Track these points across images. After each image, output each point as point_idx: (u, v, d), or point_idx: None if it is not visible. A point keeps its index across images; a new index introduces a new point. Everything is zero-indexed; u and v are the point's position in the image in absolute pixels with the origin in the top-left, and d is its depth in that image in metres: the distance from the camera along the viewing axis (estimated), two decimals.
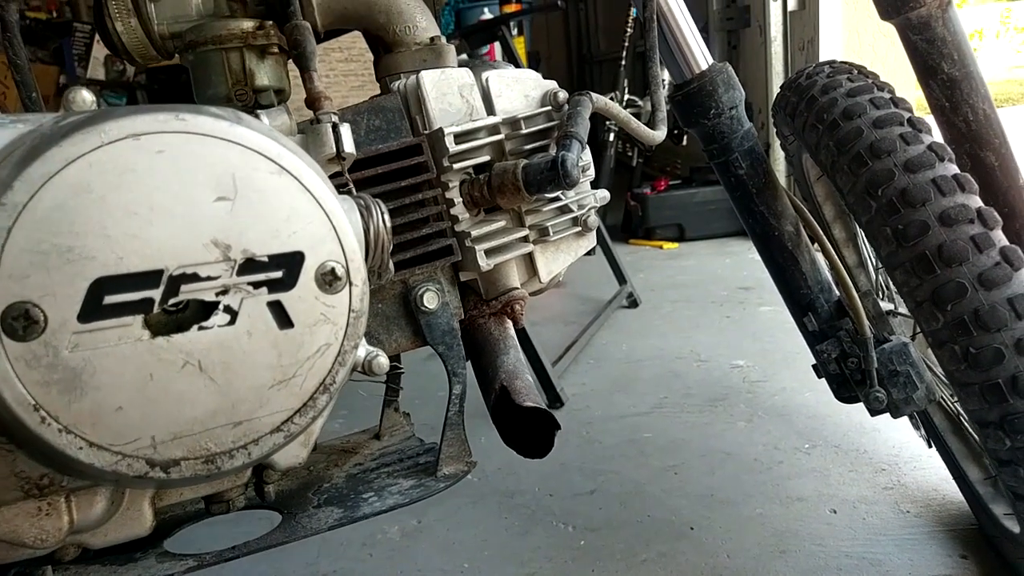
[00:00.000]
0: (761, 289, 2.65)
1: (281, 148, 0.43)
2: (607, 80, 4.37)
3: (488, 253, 0.71)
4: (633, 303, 2.60)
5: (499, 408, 0.72)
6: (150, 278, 0.40)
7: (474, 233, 0.70)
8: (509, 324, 0.76)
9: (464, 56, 1.96)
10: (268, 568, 1.30)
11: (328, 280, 0.44)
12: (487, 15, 3.63)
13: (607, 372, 2.08)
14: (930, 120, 0.93)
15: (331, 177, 0.61)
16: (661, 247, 3.35)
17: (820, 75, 0.99)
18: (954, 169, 0.83)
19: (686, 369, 2.03)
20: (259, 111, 0.55)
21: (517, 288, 0.75)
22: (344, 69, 3.10)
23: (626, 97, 3.29)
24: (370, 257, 0.50)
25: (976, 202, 0.81)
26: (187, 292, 0.41)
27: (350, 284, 0.45)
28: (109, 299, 0.39)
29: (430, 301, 0.69)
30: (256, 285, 0.42)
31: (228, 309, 0.42)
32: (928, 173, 0.82)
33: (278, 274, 0.43)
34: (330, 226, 0.44)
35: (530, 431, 0.71)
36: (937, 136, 0.89)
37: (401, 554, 1.32)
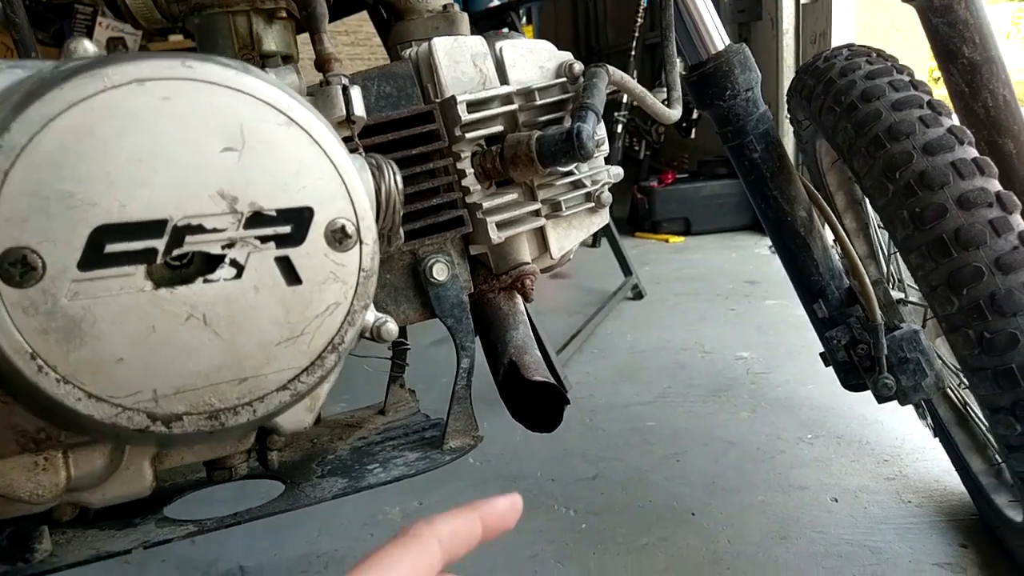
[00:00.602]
0: (767, 283, 2.63)
1: (291, 100, 0.42)
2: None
3: (499, 226, 0.69)
4: (638, 295, 2.59)
5: (508, 383, 0.71)
6: (154, 228, 0.39)
7: (486, 205, 0.69)
8: (519, 299, 0.75)
9: None
10: (269, 545, 1.30)
11: (338, 237, 0.43)
12: (496, 2, 3.61)
13: (611, 362, 2.07)
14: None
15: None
16: (667, 240, 3.33)
17: (838, 58, 0.98)
18: (973, 152, 0.82)
19: (690, 360, 2.01)
20: (267, 68, 0.54)
21: (528, 263, 0.74)
22: (350, 53, 3.07)
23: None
24: (381, 217, 0.48)
25: (995, 186, 0.80)
26: (192, 244, 0.40)
27: (360, 242, 0.43)
28: (111, 247, 0.38)
29: (439, 273, 0.68)
30: (263, 239, 0.41)
31: (234, 263, 0.41)
32: (947, 156, 0.81)
33: (286, 229, 0.41)
34: (341, 182, 0.43)
35: (539, 406, 0.71)
36: (957, 121, 0.88)
37: None
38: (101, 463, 0.46)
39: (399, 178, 0.49)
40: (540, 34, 5.47)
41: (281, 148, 0.42)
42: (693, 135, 3.30)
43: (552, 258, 0.75)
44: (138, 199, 0.38)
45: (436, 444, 0.71)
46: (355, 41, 3.08)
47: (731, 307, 2.42)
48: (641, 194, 3.45)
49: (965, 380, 1.19)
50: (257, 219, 0.41)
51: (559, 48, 0.75)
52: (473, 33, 0.88)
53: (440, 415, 0.77)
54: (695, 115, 3.20)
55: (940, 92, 1.03)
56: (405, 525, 0.31)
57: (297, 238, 0.42)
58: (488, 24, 2.66)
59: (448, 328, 0.70)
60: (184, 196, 0.40)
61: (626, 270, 2.63)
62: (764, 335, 2.14)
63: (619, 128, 3.36)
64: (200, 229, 0.40)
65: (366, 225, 0.44)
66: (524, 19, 3.92)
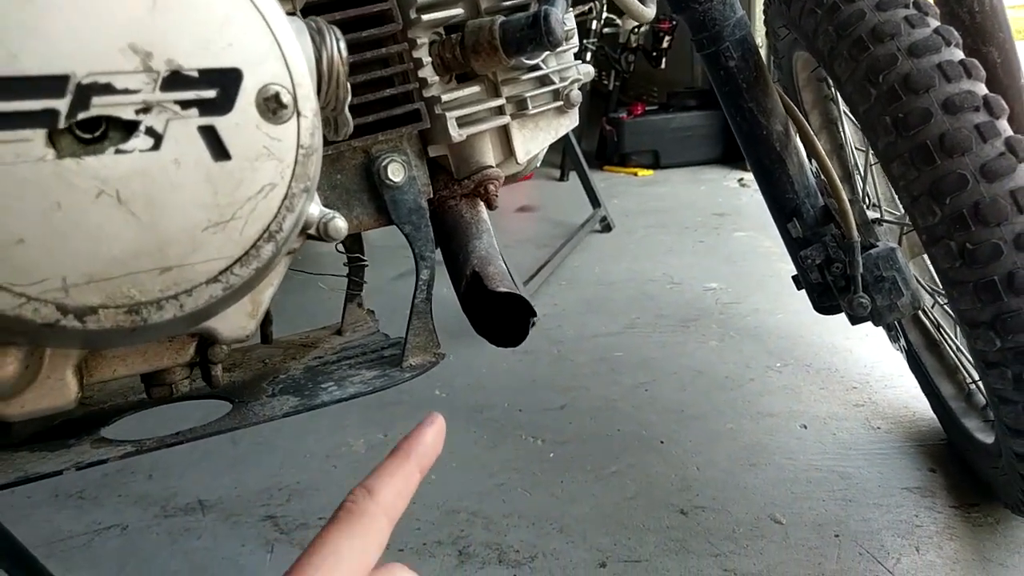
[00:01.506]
0: (736, 216, 2.62)
1: None
2: None
3: (460, 123, 0.64)
4: (607, 227, 2.56)
5: (470, 295, 0.66)
6: (53, 84, 0.33)
7: (445, 98, 0.63)
8: (482, 207, 0.70)
9: None
10: (230, 479, 1.26)
11: (272, 107, 0.37)
12: None
13: (579, 294, 2.04)
14: None
15: None
16: (636, 174, 3.28)
17: None
18: (960, 54, 0.78)
19: (659, 291, 2.00)
20: None
21: (491, 167, 0.69)
22: None
23: (604, 15, 3.17)
24: (323, 91, 0.43)
25: (982, 89, 0.76)
26: (100, 106, 0.34)
27: (298, 114, 0.38)
28: (1, 106, 0.32)
29: (395, 173, 0.62)
30: (184, 105, 0.35)
31: (151, 131, 0.35)
32: (933, 58, 0.77)
33: (211, 93, 0.36)
34: (274, 42, 0.37)
35: (503, 319, 0.66)
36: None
37: (365, 467, 1.27)
38: (13, 368, 0.41)
39: (343, 45, 0.43)
40: None
41: None
42: (663, 65, 3.23)
43: (518, 163, 0.70)
44: (32, 49, 0.32)
45: (395, 362, 0.66)
46: None
47: (700, 239, 2.41)
48: (610, 126, 3.39)
49: (940, 300, 1.18)
50: (176, 80, 0.35)
51: None
52: None
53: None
54: (665, 44, 3.12)
55: None
56: (346, 500, 0.30)
57: (224, 105, 0.36)
58: None
59: (405, 235, 0.64)
60: (88, 48, 0.34)
61: (595, 202, 2.59)
62: (733, 266, 2.13)
63: (588, 57, 3.27)
64: (109, 89, 0.34)
65: (304, 94, 0.38)
66: None
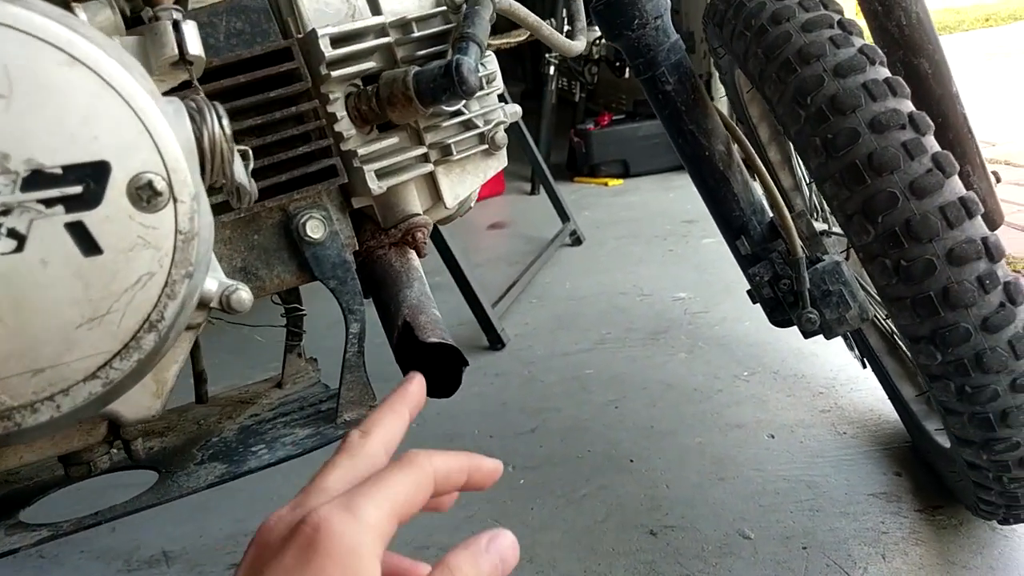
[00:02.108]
0: (704, 222, 2.61)
1: (73, 34, 0.35)
2: (546, 7, 4.22)
3: (380, 175, 0.63)
4: (577, 241, 2.56)
5: (402, 345, 0.65)
6: None
7: (362, 152, 0.62)
8: (412, 255, 0.69)
9: None
10: (192, 527, 1.24)
11: (145, 196, 0.36)
12: None
13: (550, 310, 2.04)
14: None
15: (180, 87, 0.53)
16: (606, 184, 3.29)
17: None
18: (885, 72, 0.78)
19: (629, 304, 2.00)
20: (73, 4, 0.46)
21: (418, 215, 0.68)
22: None
23: (565, 28, 3.17)
24: (208, 169, 0.42)
25: (908, 107, 0.76)
26: None
27: (174, 200, 0.37)
28: None
29: (314, 230, 0.62)
30: (49, 203, 0.34)
31: (13, 233, 0.34)
32: (859, 77, 0.77)
33: (76, 189, 0.35)
34: (143, 130, 0.36)
35: (437, 369, 0.66)
36: (870, 41, 0.84)
37: None
38: None
39: (225, 121, 0.42)
40: None
41: (63, 93, 0.35)
42: (627, 74, 3.23)
43: (447, 208, 0.70)
44: None
45: (331, 418, 0.65)
46: None
47: (669, 248, 2.41)
48: (578, 137, 3.39)
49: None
50: (37, 179, 0.34)
51: None
52: None
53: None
54: None
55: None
56: (344, 439, 0.34)
57: (92, 199, 0.35)
58: None
59: (331, 291, 0.63)
60: None
61: (563, 216, 2.59)
62: (702, 274, 2.13)
63: (551, 70, 3.28)
64: None
65: (180, 179, 0.37)
66: None
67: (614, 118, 3.39)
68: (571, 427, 1.44)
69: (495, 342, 1.83)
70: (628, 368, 1.65)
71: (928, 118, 0.75)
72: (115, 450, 0.55)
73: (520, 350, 1.81)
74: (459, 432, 1.47)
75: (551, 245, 2.45)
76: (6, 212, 0.34)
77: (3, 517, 0.55)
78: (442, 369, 0.65)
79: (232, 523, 1.25)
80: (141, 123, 0.36)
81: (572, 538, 1.13)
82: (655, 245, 2.46)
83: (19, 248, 0.34)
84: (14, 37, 0.34)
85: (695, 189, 1.01)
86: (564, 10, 3.30)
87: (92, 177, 0.35)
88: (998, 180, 0.99)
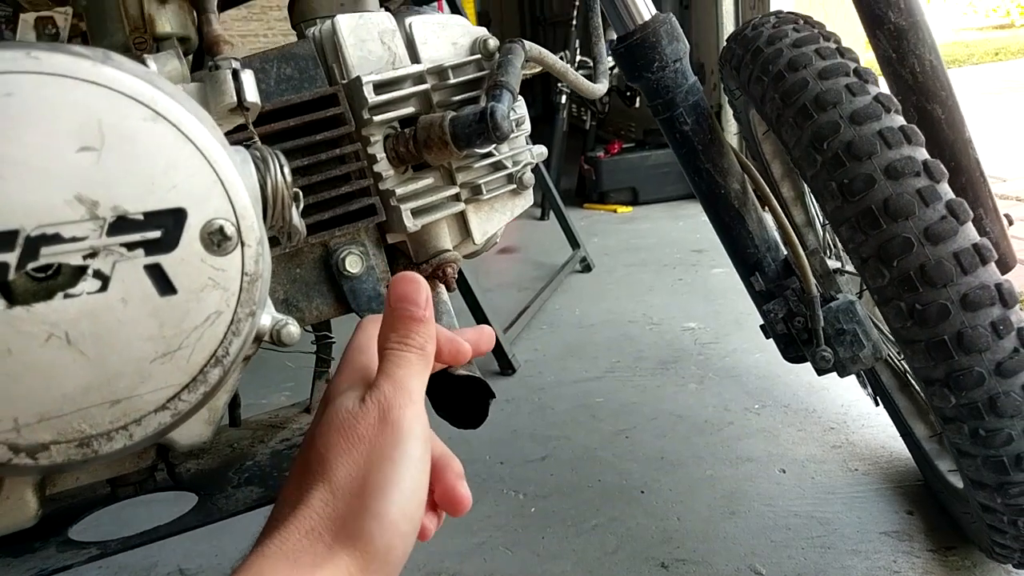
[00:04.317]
0: (714, 251, 2.65)
1: (156, 91, 0.38)
2: (560, 42, 4.30)
3: (415, 213, 0.66)
4: (587, 268, 2.58)
5: (431, 378, 0.68)
6: (3, 240, 0.35)
7: (399, 192, 0.65)
8: (442, 288, 0.72)
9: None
10: (209, 546, 1.26)
11: (216, 240, 0.39)
12: None
13: (560, 337, 2.06)
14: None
15: (235, 131, 0.56)
16: (615, 211, 3.33)
17: (766, 26, 0.96)
18: (900, 120, 0.81)
19: (639, 332, 2.02)
20: (145, 56, 0.49)
21: (449, 251, 0.71)
22: (242, 29, 2.89)
23: (578, 58, 3.23)
24: (269, 215, 0.45)
25: (922, 154, 0.79)
26: (49, 255, 0.36)
27: (242, 244, 0.40)
28: None
29: (352, 265, 0.64)
30: (131, 246, 0.37)
31: (98, 274, 0.37)
32: (874, 125, 0.80)
33: (156, 234, 0.38)
34: (216, 179, 0.39)
35: (464, 401, 0.68)
36: (884, 87, 0.87)
37: None
38: None
39: (287, 170, 0.45)
40: (482, 4, 5.37)
41: (146, 145, 0.38)
42: (638, 104, 3.28)
43: (475, 244, 0.72)
44: None
45: None
46: (248, 16, 2.91)
47: (679, 277, 2.43)
48: (588, 165, 3.43)
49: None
50: (122, 224, 0.37)
51: (503, 20, 0.71)
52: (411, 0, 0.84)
53: None
54: None
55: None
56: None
57: (169, 243, 0.38)
58: None
59: None
60: (36, 203, 0.36)
61: (573, 243, 2.62)
62: (711, 304, 2.15)
63: (563, 99, 3.33)
64: (57, 239, 0.36)
65: (247, 225, 0.40)
66: None
67: (624, 146, 3.44)
68: (581, 456, 1.46)
69: (506, 367, 1.85)
70: (638, 398, 1.66)
71: (942, 165, 0.78)
72: (159, 471, 0.58)
73: (530, 376, 1.83)
74: (471, 458, 1.49)
75: (561, 271, 2.48)
76: (93, 255, 0.37)
77: (52, 534, 0.58)
78: (470, 401, 0.68)
79: (249, 543, 1.26)
80: (214, 172, 0.39)
81: (583, 569, 1.14)
82: (664, 274, 2.48)
83: (103, 288, 0.37)
84: (104, 95, 0.37)
85: (704, 218, 1.03)
86: (577, 43, 3.37)
87: (170, 223, 0.38)
88: (1010, 223, 1.02)
